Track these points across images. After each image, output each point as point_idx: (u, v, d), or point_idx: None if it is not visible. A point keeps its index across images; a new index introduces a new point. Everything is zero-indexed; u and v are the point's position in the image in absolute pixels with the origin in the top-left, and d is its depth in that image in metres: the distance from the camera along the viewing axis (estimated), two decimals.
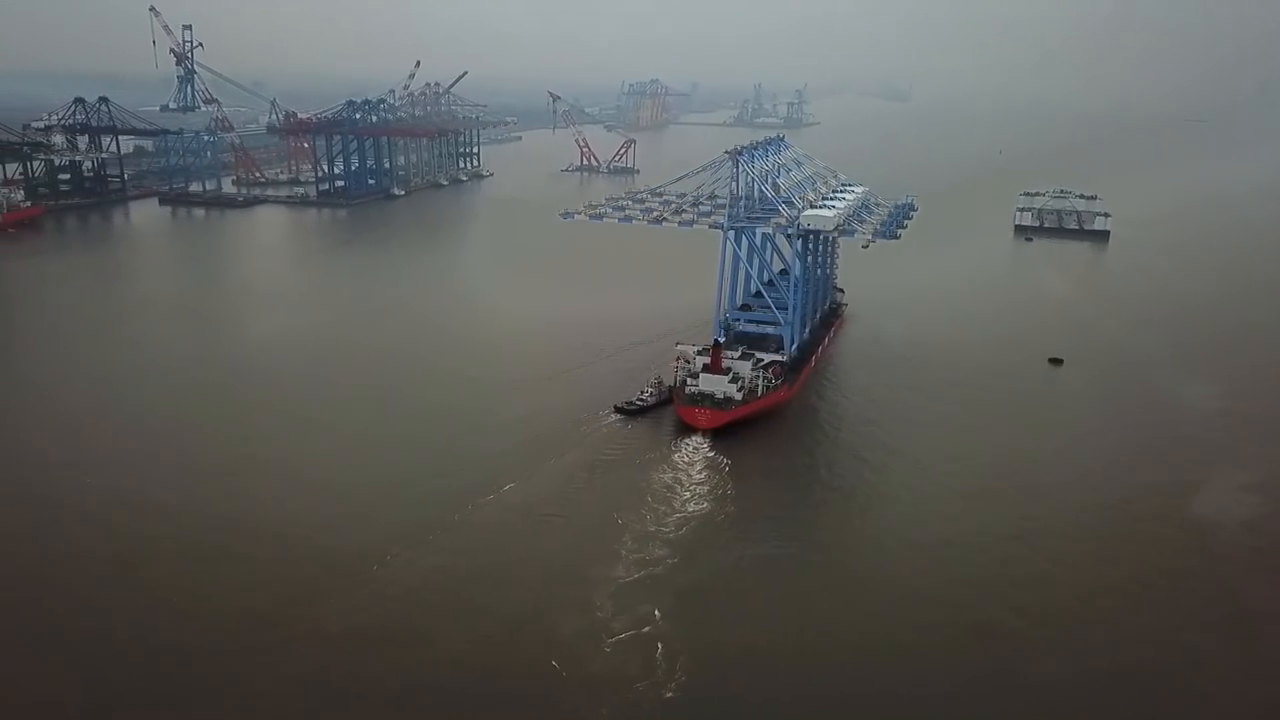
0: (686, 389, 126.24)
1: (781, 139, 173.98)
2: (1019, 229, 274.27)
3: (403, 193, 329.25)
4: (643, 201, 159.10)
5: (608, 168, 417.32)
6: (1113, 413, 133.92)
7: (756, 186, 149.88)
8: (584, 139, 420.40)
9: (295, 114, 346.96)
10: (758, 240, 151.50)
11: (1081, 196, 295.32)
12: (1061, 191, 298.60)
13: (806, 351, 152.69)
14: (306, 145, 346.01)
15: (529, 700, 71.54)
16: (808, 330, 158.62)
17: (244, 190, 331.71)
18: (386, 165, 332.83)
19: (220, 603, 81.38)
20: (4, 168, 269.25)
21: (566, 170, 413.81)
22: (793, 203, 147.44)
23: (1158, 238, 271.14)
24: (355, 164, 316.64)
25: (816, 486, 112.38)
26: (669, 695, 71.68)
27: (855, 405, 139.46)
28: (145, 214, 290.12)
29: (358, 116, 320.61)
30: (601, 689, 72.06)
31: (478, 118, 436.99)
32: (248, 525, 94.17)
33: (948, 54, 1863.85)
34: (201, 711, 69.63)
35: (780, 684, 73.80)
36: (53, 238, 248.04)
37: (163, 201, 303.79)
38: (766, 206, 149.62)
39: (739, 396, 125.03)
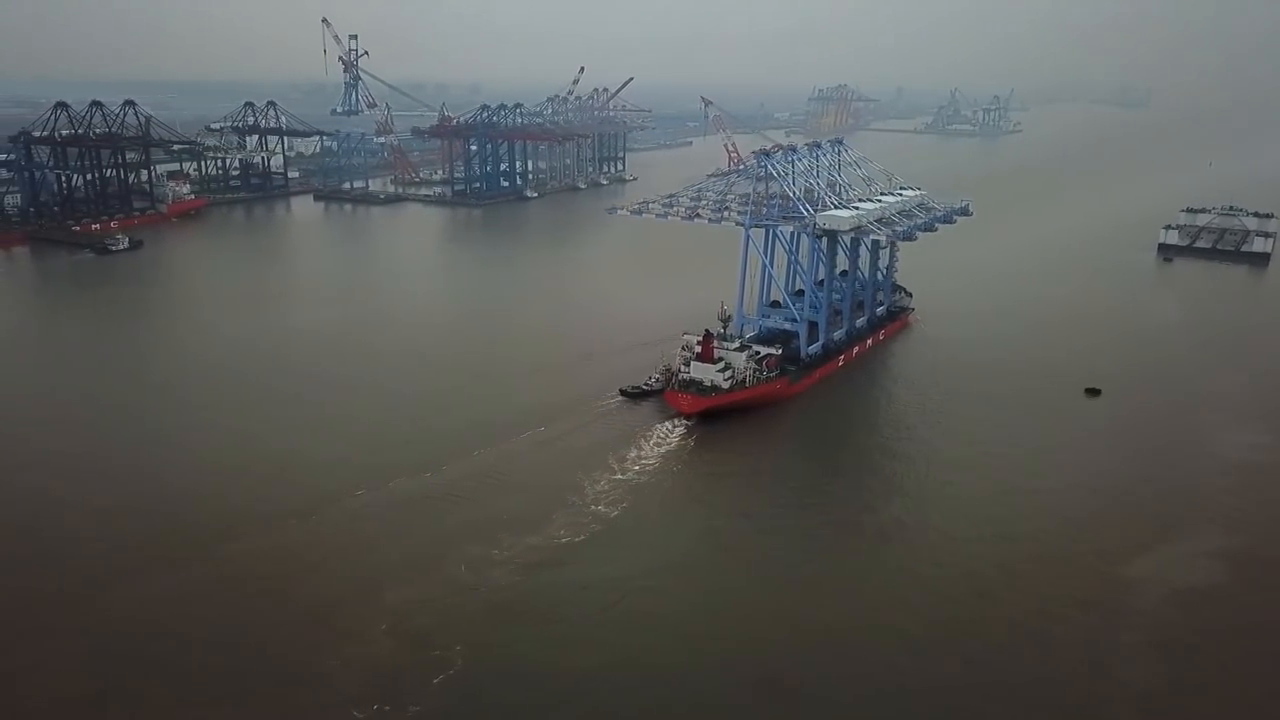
0: (680, 375, 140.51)
1: (841, 142, 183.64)
2: (1162, 247, 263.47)
3: (535, 195, 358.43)
4: (698, 199, 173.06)
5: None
6: (1124, 456, 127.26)
7: (800, 184, 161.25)
8: (733, 144, 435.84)
9: (451, 118, 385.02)
10: (788, 239, 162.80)
11: (1256, 215, 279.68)
12: (1231, 208, 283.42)
13: (835, 351, 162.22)
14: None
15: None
16: (844, 331, 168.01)
17: (399, 188, 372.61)
18: (520, 168, 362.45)
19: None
20: (181, 165, 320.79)
21: (713, 175, 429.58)
22: (826, 203, 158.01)
23: None
24: (489, 167, 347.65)
25: (753, 476, 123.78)
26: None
27: (864, 410, 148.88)
28: (299, 208, 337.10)
29: (493, 120, 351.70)
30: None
31: (625, 123, 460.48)
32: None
33: (1197, 63, 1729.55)
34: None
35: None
36: (212, 226, 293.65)
37: (317, 198, 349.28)
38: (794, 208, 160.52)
39: (726, 385, 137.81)
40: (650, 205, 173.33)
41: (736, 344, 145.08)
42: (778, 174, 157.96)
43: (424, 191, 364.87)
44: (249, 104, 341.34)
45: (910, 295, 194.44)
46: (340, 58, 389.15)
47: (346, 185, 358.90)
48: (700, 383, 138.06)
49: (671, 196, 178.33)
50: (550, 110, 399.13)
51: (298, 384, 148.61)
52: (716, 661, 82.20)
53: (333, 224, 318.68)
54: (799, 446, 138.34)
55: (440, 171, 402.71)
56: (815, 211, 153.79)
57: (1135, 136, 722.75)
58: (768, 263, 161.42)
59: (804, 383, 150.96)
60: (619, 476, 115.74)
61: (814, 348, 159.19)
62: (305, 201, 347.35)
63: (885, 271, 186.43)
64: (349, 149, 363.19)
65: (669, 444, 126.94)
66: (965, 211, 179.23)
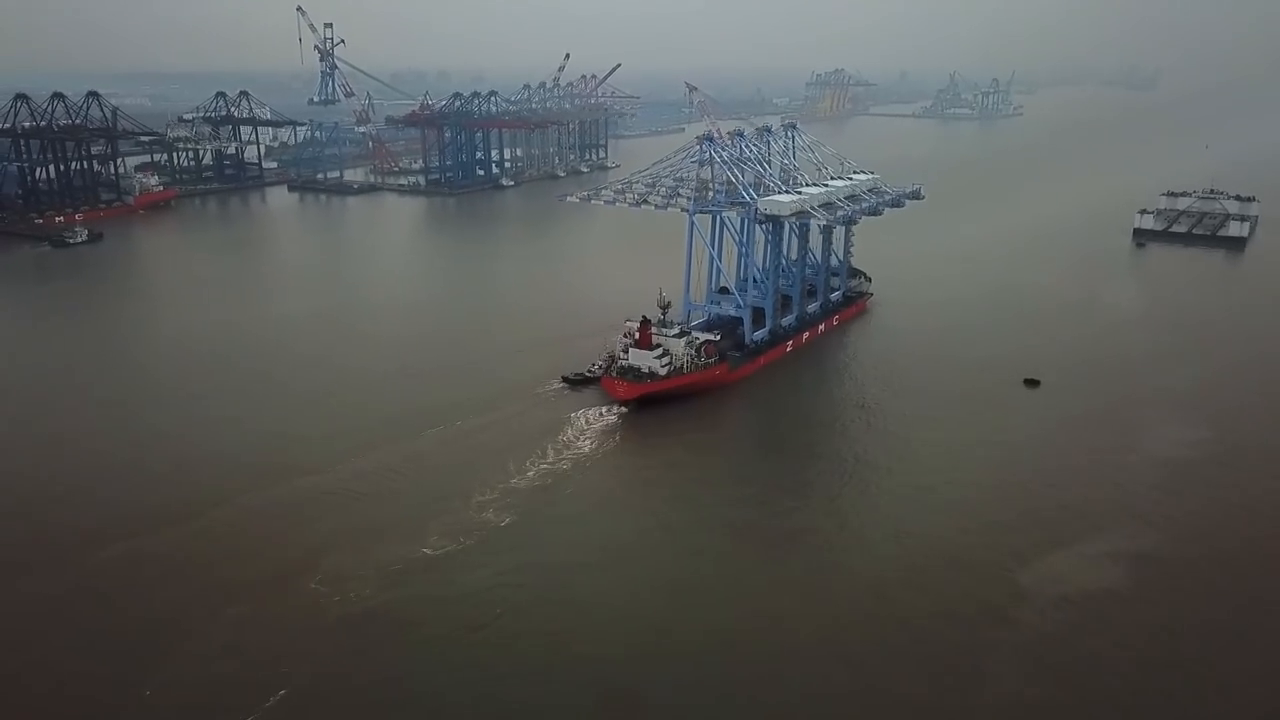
0: (619, 362, 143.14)
1: (795, 126, 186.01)
2: (1137, 232, 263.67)
3: (511, 183, 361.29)
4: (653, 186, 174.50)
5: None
6: (1052, 451, 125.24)
7: (751, 169, 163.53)
8: (719, 129, 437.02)
9: (425, 107, 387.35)
10: (736, 226, 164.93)
11: (1237, 198, 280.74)
12: (1212, 191, 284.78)
13: (783, 337, 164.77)
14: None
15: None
16: (794, 317, 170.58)
17: (379, 178, 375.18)
18: (497, 156, 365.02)
19: None
20: (152, 157, 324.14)
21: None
22: (771, 189, 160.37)
23: None
24: (464, 155, 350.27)
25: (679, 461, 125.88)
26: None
27: (800, 401, 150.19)
28: (273, 199, 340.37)
29: (466, 109, 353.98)
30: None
31: (606, 109, 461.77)
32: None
33: (1207, 42, 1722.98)
34: None
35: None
36: (180, 217, 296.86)
37: (291, 188, 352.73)
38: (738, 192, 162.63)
39: (663, 372, 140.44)
40: (601, 192, 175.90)
41: (676, 330, 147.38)
42: (720, 159, 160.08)
43: (400, 181, 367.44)
44: (220, 94, 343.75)
45: (869, 280, 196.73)
46: (316, 46, 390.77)
47: (321, 175, 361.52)
48: (638, 369, 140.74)
49: (625, 183, 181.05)
50: (528, 97, 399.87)
51: (223, 378, 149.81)
52: (570, 676, 79.73)
53: (300, 214, 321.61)
54: (724, 439, 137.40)
55: (421, 161, 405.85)
56: (758, 197, 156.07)
57: (1136, 118, 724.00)
58: (711, 249, 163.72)
59: (746, 369, 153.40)
60: (539, 468, 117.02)
61: (760, 334, 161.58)
62: (279, 192, 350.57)
63: (840, 256, 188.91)
64: (321, 139, 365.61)
65: (593, 433, 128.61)
66: (917, 195, 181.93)
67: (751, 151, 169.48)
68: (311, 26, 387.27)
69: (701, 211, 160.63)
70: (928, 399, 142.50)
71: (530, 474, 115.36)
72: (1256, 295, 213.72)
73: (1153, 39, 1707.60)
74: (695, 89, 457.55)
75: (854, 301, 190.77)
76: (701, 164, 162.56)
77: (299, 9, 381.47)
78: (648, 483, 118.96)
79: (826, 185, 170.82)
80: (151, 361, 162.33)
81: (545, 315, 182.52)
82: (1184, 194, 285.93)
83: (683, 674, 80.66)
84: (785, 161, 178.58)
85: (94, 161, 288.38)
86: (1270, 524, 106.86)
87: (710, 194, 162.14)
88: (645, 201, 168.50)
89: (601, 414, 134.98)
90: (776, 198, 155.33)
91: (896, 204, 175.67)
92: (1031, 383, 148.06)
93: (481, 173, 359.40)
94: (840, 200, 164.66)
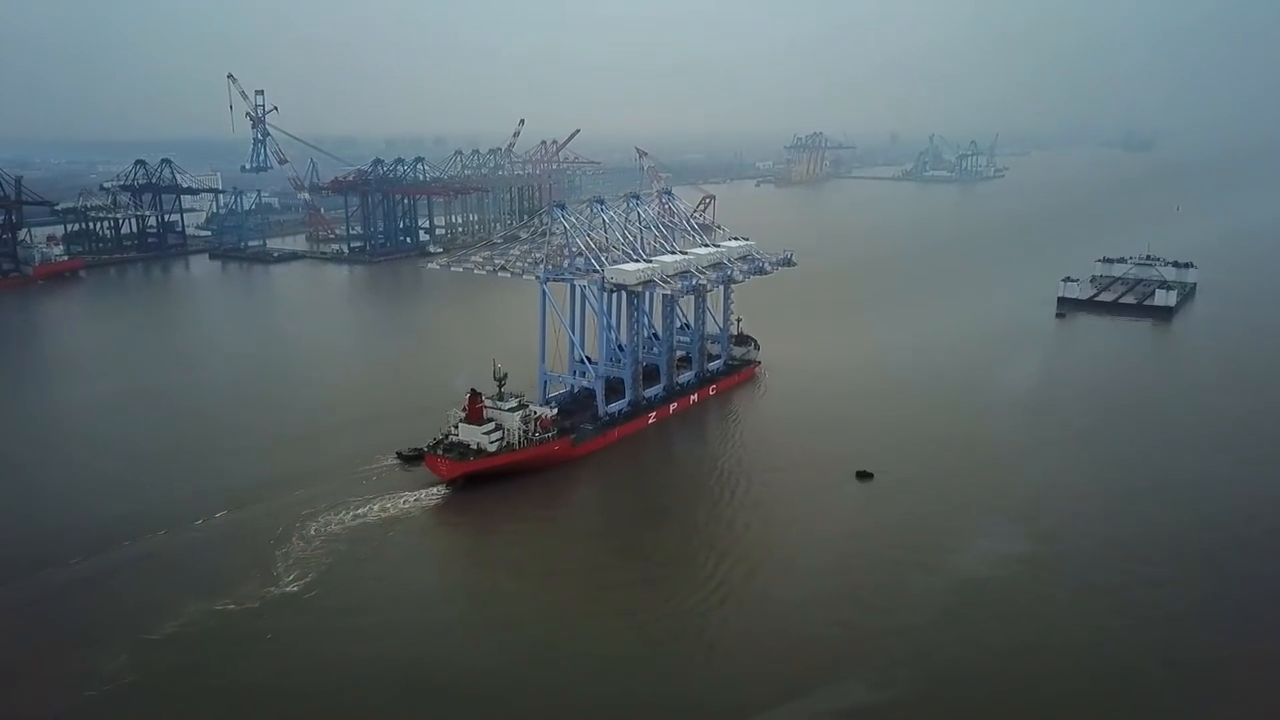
0: (448, 437, 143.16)
1: (670, 193, 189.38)
2: (1061, 301, 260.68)
3: (439, 250, 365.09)
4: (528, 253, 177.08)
5: (686, 223, 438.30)
6: (850, 557, 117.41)
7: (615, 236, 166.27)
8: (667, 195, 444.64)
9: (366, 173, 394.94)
10: (596, 295, 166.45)
11: (1175, 265, 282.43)
12: (1148, 258, 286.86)
13: (646, 409, 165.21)
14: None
15: None
16: (662, 387, 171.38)
17: (314, 245, 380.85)
18: (424, 223, 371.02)
19: None
20: (65, 227, 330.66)
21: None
22: (627, 255, 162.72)
23: (1253, 319, 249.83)
24: (388, 222, 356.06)
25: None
26: None
27: (639, 482, 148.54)
28: (193, 267, 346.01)
29: (388, 175, 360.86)
30: None
31: (549, 176, 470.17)
32: None
33: (1208, 106, 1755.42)
34: None
35: None
36: (79, 287, 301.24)
37: (213, 256, 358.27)
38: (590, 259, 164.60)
39: (492, 448, 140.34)
40: (462, 259, 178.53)
41: (513, 403, 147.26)
42: (568, 228, 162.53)
43: (324, 249, 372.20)
44: (140, 162, 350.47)
45: (758, 348, 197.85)
46: (247, 113, 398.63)
47: (243, 244, 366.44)
48: (466, 445, 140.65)
49: (492, 250, 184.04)
50: (460, 163, 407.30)
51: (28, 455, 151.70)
52: None
53: (208, 284, 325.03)
54: (535, 526, 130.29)
55: (358, 228, 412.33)
56: (607, 265, 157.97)
57: (1121, 181, 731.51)
58: (564, 319, 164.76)
59: (594, 443, 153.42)
60: (310, 552, 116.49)
61: (616, 406, 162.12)
62: (201, 260, 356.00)
63: (720, 324, 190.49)
64: (240, 208, 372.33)
65: (395, 518, 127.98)
66: (788, 262, 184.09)
67: (610, 219, 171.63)
68: (243, 94, 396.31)
69: (553, 279, 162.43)
70: (759, 485, 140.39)
71: (290, 573, 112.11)
72: (1165, 375, 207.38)
73: (1155, 102, 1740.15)
74: (645, 154, 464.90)
75: (738, 370, 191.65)
76: (552, 233, 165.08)
77: (229, 76, 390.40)
78: (429, 573, 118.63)
79: (685, 254, 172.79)
80: None
81: (410, 385, 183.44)
82: (1120, 260, 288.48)
83: None
84: (655, 229, 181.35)
85: None
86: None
87: (567, 262, 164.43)
88: (502, 269, 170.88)
89: (420, 497, 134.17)
90: (623, 266, 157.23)
91: (759, 272, 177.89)
92: (864, 475, 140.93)
93: (408, 239, 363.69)
94: (698, 269, 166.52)
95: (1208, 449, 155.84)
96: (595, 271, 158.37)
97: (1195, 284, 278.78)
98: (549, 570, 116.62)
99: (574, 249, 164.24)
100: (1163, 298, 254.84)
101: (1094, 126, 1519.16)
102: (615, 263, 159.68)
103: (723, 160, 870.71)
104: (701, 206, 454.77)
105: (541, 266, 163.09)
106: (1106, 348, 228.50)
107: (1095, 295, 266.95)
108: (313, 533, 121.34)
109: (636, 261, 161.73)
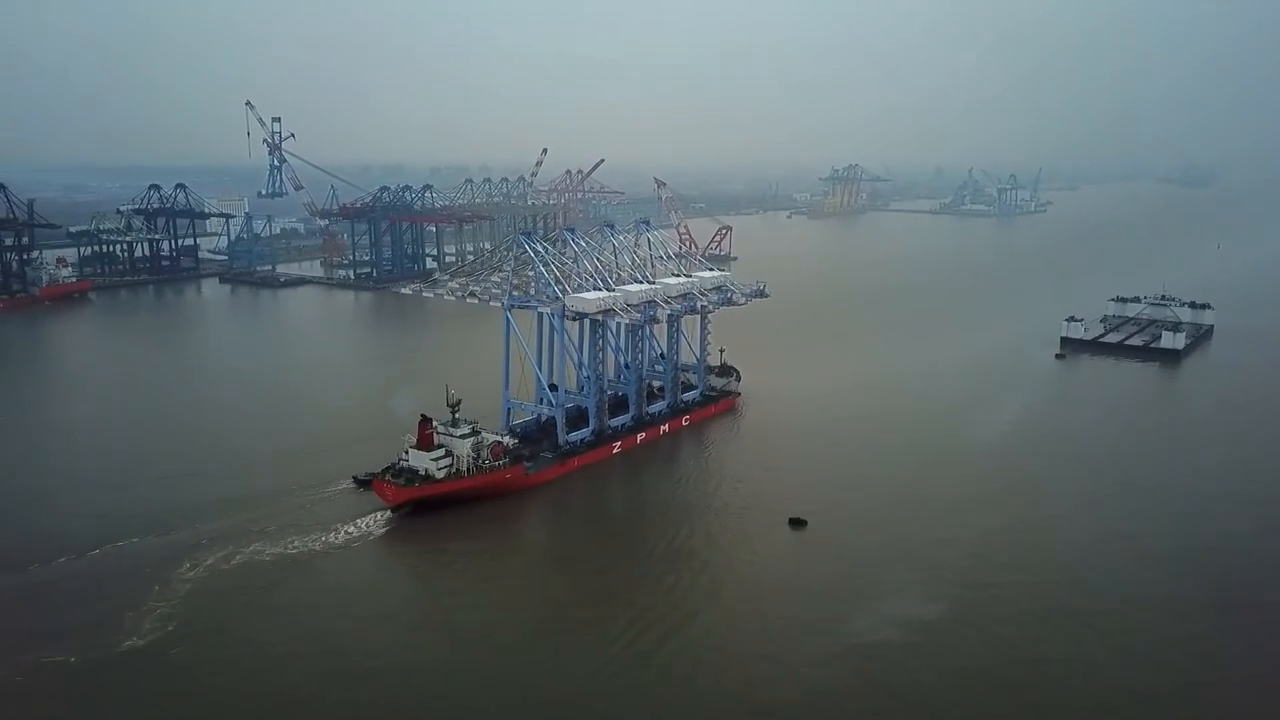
0: (400, 462, 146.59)
1: (647, 223, 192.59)
2: (1064, 342, 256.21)
3: (446, 277, 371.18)
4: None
5: (703, 255, 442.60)
6: (759, 614, 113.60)
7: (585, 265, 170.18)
8: (685, 226, 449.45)
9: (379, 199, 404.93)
10: (556, 321, 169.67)
11: (1191, 305, 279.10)
12: (1163, 298, 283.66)
13: (612, 438, 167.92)
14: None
15: None
16: (630, 416, 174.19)
17: (328, 271, 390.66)
18: (432, 250, 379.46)
19: None
20: (79, 250, 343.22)
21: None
22: (589, 285, 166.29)
23: (1268, 365, 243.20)
24: (397, 250, 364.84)
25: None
26: None
27: (589, 515, 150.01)
28: (199, 290, 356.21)
29: (394, 202, 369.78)
30: None
31: (563, 206, 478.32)
32: None
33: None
34: None
35: None
36: (85, 308, 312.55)
37: (223, 280, 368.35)
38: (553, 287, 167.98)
39: (440, 475, 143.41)
40: (434, 285, 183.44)
41: (465, 429, 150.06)
42: (534, 256, 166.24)
43: (332, 275, 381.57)
44: (154, 187, 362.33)
45: (739, 379, 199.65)
46: (265, 140, 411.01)
47: (255, 268, 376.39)
48: (414, 470, 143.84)
49: (471, 277, 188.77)
50: (470, 192, 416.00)
51: None
52: None
53: (214, 307, 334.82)
54: (470, 561, 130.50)
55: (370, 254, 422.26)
56: (569, 293, 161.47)
57: (1172, 216, 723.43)
58: (526, 346, 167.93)
59: (550, 472, 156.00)
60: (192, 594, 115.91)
61: (579, 434, 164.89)
62: (212, 284, 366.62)
63: (698, 354, 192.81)
64: (251, 234, 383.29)
65: (341, 542, 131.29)
66: (761, 294, 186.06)
67: (581, 249, 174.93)
68: (261, 121, 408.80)
69: (517, 306, 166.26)
70: (702, 527, 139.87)
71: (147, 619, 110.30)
72: (1152, 423, 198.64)
73: (1214, 134, 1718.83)
74: (664, 184, 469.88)
75: (715, 401, 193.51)
76: (518, 260, 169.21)
77: (248, 104, 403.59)
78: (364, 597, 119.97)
79: (654, 284, 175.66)
80: None
81: (388, 409, 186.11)
82: (1134, 300, 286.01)
83: None
84: (629, 258, 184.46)
85: (6, 253, 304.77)
86: None
87: (533, 289, 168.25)
88: (471, 295, 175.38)
89: (370, 521, 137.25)
90: (584, 295, 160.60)
91: (728, 302, 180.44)
92: (797, 522, 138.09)
93: (414, 267, 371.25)
94: (663, 299, 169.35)
95: (1164, 504, 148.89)
96: (558, 300, 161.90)
97: (1212, 325, 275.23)
98: (462, 603, 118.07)
99: (540, 277, 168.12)
100: (1170, 340, 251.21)
101: (1151, 161, 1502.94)
102: (579, 290, 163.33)
103: (760, 191, 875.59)
104: (718, 237, 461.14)
105: (506, 294, 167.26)
106: (1099, 392, 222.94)
107: (1101, 335, 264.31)
108: (204, 567, 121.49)
109: (599, 291, 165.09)
